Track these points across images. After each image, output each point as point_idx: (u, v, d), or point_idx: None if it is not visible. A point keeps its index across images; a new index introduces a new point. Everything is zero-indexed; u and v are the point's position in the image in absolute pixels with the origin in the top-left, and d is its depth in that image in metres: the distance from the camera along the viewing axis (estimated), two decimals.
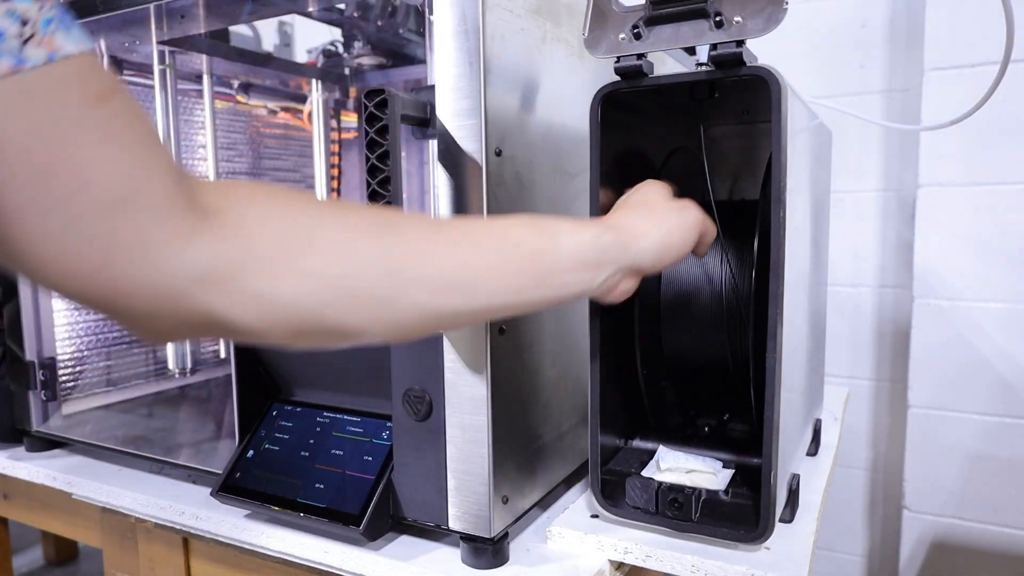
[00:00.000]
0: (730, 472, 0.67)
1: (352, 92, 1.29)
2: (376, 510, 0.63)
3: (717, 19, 0.52)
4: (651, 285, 0.71)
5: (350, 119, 1.32)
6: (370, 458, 0.67)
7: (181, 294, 0.36)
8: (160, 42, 0.97)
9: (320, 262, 0.40)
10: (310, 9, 0.95)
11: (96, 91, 0.34)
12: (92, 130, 0.33)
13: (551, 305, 0.50)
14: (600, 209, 0.60)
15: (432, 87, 0.57)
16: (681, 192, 0.73)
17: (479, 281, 0.45)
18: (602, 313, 0.62)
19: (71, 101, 0.33)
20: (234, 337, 0.41)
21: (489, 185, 0.56)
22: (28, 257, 0.33)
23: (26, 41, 0.31)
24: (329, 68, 1.26)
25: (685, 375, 0.75)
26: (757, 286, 0.62)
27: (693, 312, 0.71)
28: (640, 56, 0.56)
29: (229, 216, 0.38)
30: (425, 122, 0.58)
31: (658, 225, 0.53)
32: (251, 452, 0.73)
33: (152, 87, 1.02)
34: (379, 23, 1.11)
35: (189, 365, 1.07)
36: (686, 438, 0.74)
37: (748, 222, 0.65)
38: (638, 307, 0.68)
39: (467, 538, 0.61)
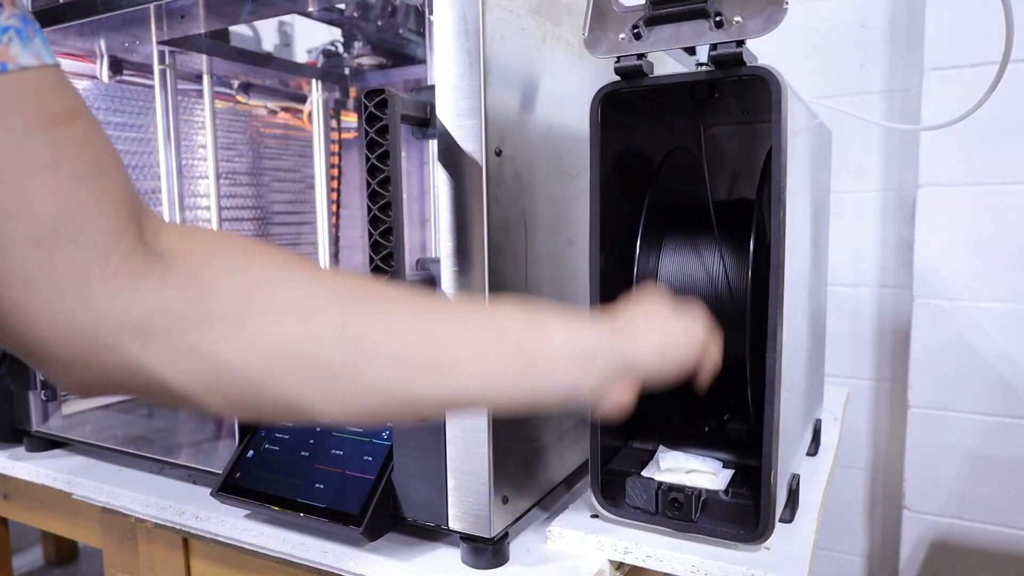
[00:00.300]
0: (730, 472, 0.67)
1: (352, 92, 1.29)
2: (376, 510, 0.63)
3: (717, 19, 0.52)
4: (649, 284, 0.71)
5: (350, 119, 1.32)
6: (370, 458, 0.67)
7: (109, 343, 0.33)
8: (160, 42, 0.97)
9: (273, 326, 0.36)
10: (310, 9, 0.95)
11: (51, 112, 0.31)
12: (35, 155, 0.30)
13: (537, 403, 0.44)
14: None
15: (432, 87, 0.57)
16: (680, 193, 0.73)
17: (455, 363, 0.40)
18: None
19: (18, 120, 0.30)
20: (167, 401, 0.37)
21: (489, 185, 0.56)
22: None
23: None
24: (329, 68, 1.26)
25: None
26: (755, 285, 0.62)
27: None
28: (640, 56, 0.56)
29: (184, 265, 0.35)
30: (425, 122, 0.58)
31: (660, 331, 0.49)
32: (251, 452, 0.73)
33: (152, 87, 1.02)
34: (379, 23, 1.11)
35: None
36: (686, 438, 0.74)
37: (747, 221, 0.65)
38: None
39: (467, 538, 0.61)
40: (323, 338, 0.37)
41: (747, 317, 0.64)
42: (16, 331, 0.32)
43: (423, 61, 1.21)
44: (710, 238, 0.69)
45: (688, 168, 0.77)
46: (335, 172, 1.31)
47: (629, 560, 0.61)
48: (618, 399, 0.47)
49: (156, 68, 1.00)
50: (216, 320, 0.35)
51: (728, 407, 0.80)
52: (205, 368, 0.35)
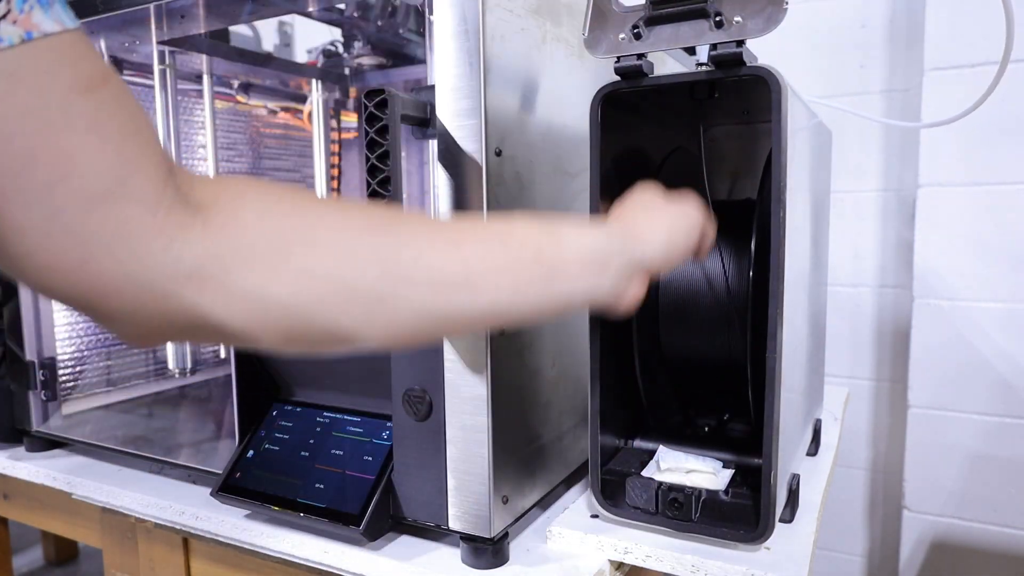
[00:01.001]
0: (730, 472, 0.67)
1: (352, 92, 1.29)
2: (376, 510, 0.63)
3: (717, 19, 0.52)
4: (649, 285, 0.71)
5: (350, 119, 1.32)
6: (370, 458, 0.67)
7: (167, 292, 0.35)
8: (160, 42, 0.97)
9: (313, 260, 0.38)
10: (310, 9, 0.95)
11: (87, 76, 0.32)
12: (79, 118, 0.32)
13: (560, 310, 0.47)
14: (600, 212, 0.60)
15: (432, 87, 0.57)
16: (680, 192, 0.73)
17: (482, 279, 0.43)
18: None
19: (59, 86, 0.31)
20: (223, 340, 0.39)
21: (489, 185, 0.56)
22: (9, 249, 0.32)
23: (1, 19, 0.30)
24: (329, 68, 1.26)
25: (684, 375, 0.75)
26: (756, 285, 0.62)
27: (692, 312, 0.70)
28: (640, 56, 0.56)
29: (221, 211, 0.37)
30: (425, 122, 0.58)
31: (662, 223, 0.52)
32: (251, 452, 0.73)
33: (152, 87, 1.02)
34: (379, 23, 1.11)
35: (189, 365, 1.07)
36: (686, 438, 0.74)
37: (747, 221, 0.65)
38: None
39: (467, 538, 0.61)
40: (362, 266, 0.39)
41: (748, 317, 0.64)
42: (79, 288, 0.33)
43: (423, 61, 1.21)
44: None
45: (688, 168, 0.77)
46: (335, 172, 1.31)
47: (629, 560, 0.61)
48: (633, 295, 0.51)
49: (156, 68, 1.00)
50: (260, 259, 0.37)
51: (728, 407, 0.80)
52: (256, 306, 0.37)
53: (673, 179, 0.72)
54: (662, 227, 0.52)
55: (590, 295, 0.48)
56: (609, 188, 0.62)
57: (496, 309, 0.44)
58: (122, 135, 0.33)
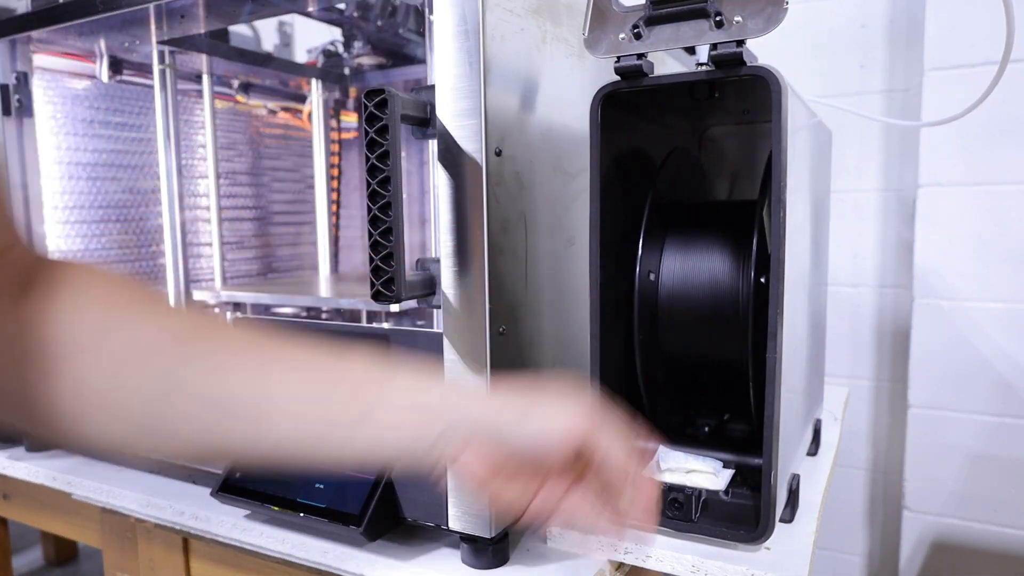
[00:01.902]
0: (730, 472, 0.67)
1: (352, 92, 1.29)
2: (376, 510, 0.63)
3: (717, 19, 0.52)
4: (648, 284, 0.72)
5: (350, 119, 1.32)
6: None
7: None
8: (160, 42, 0.97)
9: (92, 368, 0.37)
10: (310, 9, 0.95)
11: None
12: None
13: (372, 460, 0.42)
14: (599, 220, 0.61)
15: (432, 87, 0.57)
16: (681, 193, 0.73)
17: (277, 412, 0.39)
18: (602, 313, 0.62)
19: None
20: None
21: (489, 185, 0.56)
22: None
23: None
24: (329, 68, 1.26)
25: (684, 375, 0.75)
26: (756, 285, 0.62)
27: (691, 311, 0.70)
28: (640, 56, 0.56)
29: (39, 295, 0.37)
30: (425, 122, 0.58)
31: (536, 407, 0.42)
32: None
33: (152, 87, 1.02)
34: (379, 23, 1.11)
35: None
36: (686, 438, 0.74)
37: (748, 221, 0.65)
38: (637, 305, 0.68)
39: (467, 538, 0.61)
40: (139, 385, 0.38)
41: (749, 318, 0.64)
42: None
43: (423, 61, 1.21)
44: (711, 238, 0.69)
45: (688, 168, 0.77)
46: (335, 172, 1.31)
47: (629, 560, 0.61)
48: (469, 467, 0.41)
49: (156, 68, 1.00)
50: (43, 357, 0.37)
51: (728, 407, 0.80)
52: (22, 403, 0.37)
53: (673, 179, 0.72)
54: (534, 411, 0.41)
55: (409, 448, 0.41)
56: (609, 188, 0.62)
57: (289, 446, 0.40)
58: None
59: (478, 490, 0.43)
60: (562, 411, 0.41)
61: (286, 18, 1.61)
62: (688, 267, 0.70)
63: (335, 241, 1.32)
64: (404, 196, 0.55)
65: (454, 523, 0.61)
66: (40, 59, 0.94)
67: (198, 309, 0.44)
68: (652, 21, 0.54)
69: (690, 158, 0.78)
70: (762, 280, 0.62)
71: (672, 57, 0.88)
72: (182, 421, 0.39)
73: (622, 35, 0.56)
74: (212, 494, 0.71)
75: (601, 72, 0.72)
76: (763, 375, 0.56)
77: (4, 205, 0.38)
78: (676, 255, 0.70)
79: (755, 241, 0.61)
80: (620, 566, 0.64)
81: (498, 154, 0.57)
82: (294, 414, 0.40)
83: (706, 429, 0.77)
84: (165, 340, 0.39)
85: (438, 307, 0.59)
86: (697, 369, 0.73)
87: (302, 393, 0.40)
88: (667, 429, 0.75)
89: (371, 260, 0.54)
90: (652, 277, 0.69)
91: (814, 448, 0.85)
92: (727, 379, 0.71)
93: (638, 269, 0.67)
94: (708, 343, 0.70)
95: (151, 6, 0.77)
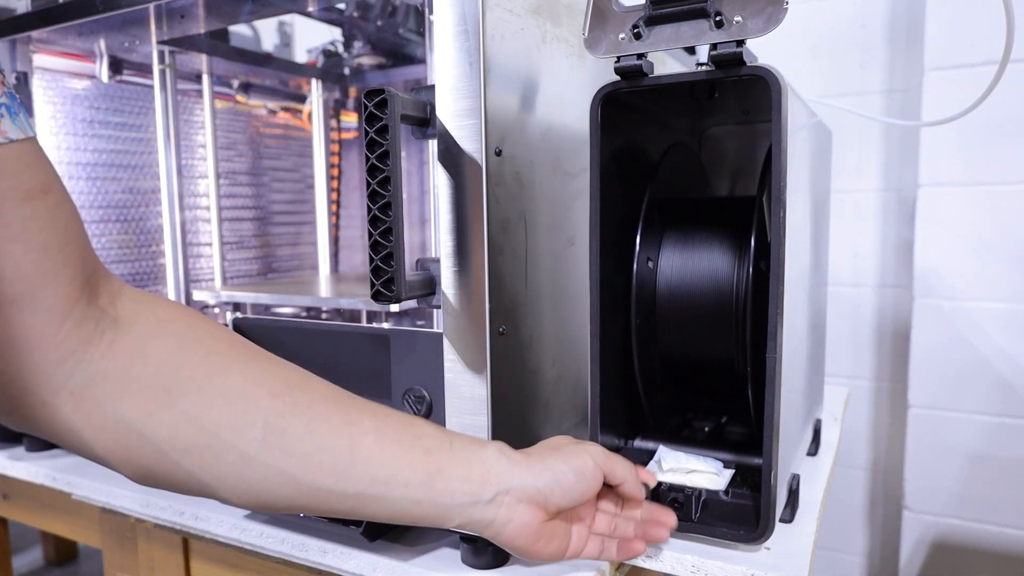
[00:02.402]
0: (731, 472, 0.67)
1: (352, 92, 1.29)
2: None
3: (717, 19, 0.52)
4: (647, 272, 0.71)
5: (350, 119, 1.32)
6: None
7: (45, 400, 0.36)
8: (160, 42, 0.97)
9: (199, 408, 0.39)
10: (310, 9, 0.95)
11: (28, 187, 0.34)
12: (8, 225, 0.33)
13: (431, 517, 0.47)
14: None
15: (432, 87, 0.57)
16: (680, 191, 0.73)
17: (364, 465, 0.43)
18: (602, 312, 0.62)
19: (1, 190, 0.33)
20: (82, 454, 0.40)
21: (489, 185, 0.56)
22: None
23: None
24: (329, 68, 1.26)
25: (683, 376, 0.75)
26: (755, 284, 0.62)
27: (691, 301, 0.70)
28: (640, 56, 0.56)
29: (133, 335, 0.38)
30: (425, 122, 0.58)
31: (554, 458, 0.51)
32: None
33: (152, 87, 1.02)
34: (379, 23, 1.11)
35: None
36: (686, 438, 0.74)
37: (748, 218, 0.65)
38: (634, 293, 0.67)
39: (467, 538, 0.61)
40: (246, 428, 0.40)
41: (747, 315, 0.64)
42: None
43: (423, 61, 1.21)
44: (711, 231, 0.68)
45: (688, 166, 0.77)
46: (335, 172, 1.31)
47: (629, 560, 0.61)
48: (521, 524, 0.49)
49: (156, 68, 1.00)
50: (150, 394, 0.38)
51: (727, 408, 0.80)
52: (126, 439, 0.38)
53: (673, 177, 0.72)
54: (554, 459, 0.51)
55: (470, 505, 0.47)
56: (609, 188, 0.62)
57: (368, 495, 0.44)
58: (46, 246, 0.35)
59: (528, 551, 0.50)
60: (582, 459, 0.52)
61: (286, 18, 1.61)
62: (687, 258, 0.70)
63: (335, 241, 1.32)
64: (404, 196, 0.55)
65: None
66: (40, 59, 0.94)
67: (280, 359, 0.46)
68: (652, 21, 0.54)
69: (689, 153, 0.78)
70: (762, 266, 0.61)
71: (672, 57, 0.88)
72: (279, 468, 0.41)
73: (622, 35, 0.56)
74: None
75: (601, 72, 0.72)
76: (762, 373, 0.56)
77: (84, 233, 0.39)
78: (675, 251, 0.70)
79: (754, 228, 0.61)
80: (620, 566, 0.64)
81: (498, 154, 0.57)
82: (376, 470, 0.44)
83: (706, 429, 0.77)
84: (268, 389, 0.42)
85: (438, 307, 0.59)
86: (695, 364, 0.73)
87: (383, 451, 0.45)
88: (667, 429, 0.75)
89: (371, 260, 0.54)
90: (651, 265, 0.69)
91: (814, 448, 0.85)
92: (725, 375, 0.71)
93: (636, 257, 0.66)
94: (707, 335, 0.70)
95: (151, 6, 0.77)
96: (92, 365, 0.36)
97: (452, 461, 0.47)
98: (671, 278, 0.70)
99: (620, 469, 0.54)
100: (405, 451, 0.45)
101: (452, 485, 0.47)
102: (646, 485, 0.58)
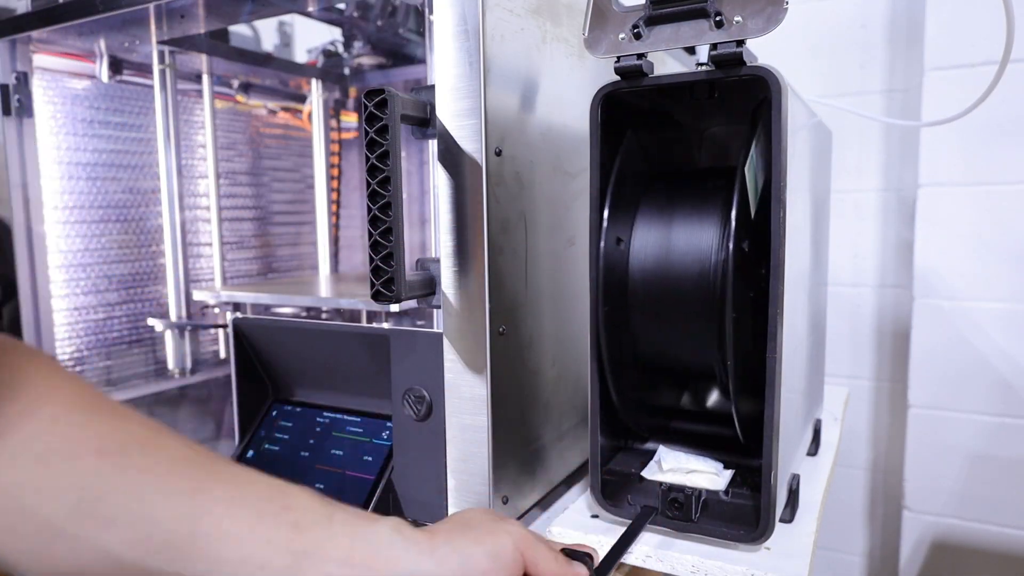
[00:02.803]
0: (731, 472, 0.67)
1: (352, 92, 1.29)
2: (376, 510, 0.63)
3: (717, 19, 0.52)
4: (617, 264, 0.62)
5: (350, 119, 1.32)
6: (370, 458, 0.67)
7: None
8: (160, 42, 0.97)
9: (6, 467, 0.34)
10: (310, 9, 0.95)
11: None
12: None
13: None
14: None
15: (432, 87, 0.57)
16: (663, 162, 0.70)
17: (208, 541, 0.36)
18: (602, 313, 0.62)
19: None
20: None
21: (489, 185, 0.56)
22: None
23: None
24: (329, 68, 1.26)
25: (658, 368, 0.68)
26: (738, 268, 0.59)
27: (666, 296, 0.62)
28: (640, 56, 0.56)
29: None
30: (425, 122, 0.58)
31: (465, 539, 0.42)
32: (251, 452, 0.73)
33: (152, 87, 1.02)
34: (379, 23, 1.11)
35: (189, 365, 1.07)
36: (686, 438, 0.74)
37: (730, 191, 0.57)
38: (600, 289, 0.60)
39: None
40: (55, 493, 0.34)
41: (726, 303, 0.57)
42: None
43: (423, 61, 1.21)
44: (692, 210, 0.62)
45: (671, 136, 0.75)
46: (335, 172, 1.31)
47: (629, 560, 0.61)
48: None
49: (156, 68, 1.00)
50: None
51: (708, 412, 0.77)
52: None
53: (672, 176, 0.72)
54: (461, 549, 0.41)
55: None
56: (609, 189, 0.61)
57: None
58: None
59: None
60: (499, 540, 0.43)
61: (286, 18, 1.61)
62: (664, 237, 0.62)
63: (335, 241, 1.32)
64: (404, 196, 0.55)
65: None
66: (40, 59, 0.94)
67: (134, 414, 0.40)
68: (652, 21, 0.55)
69: (689, 156, 0.76)
70: (744, 246, 0.58)
71: (672, 57, 0.88)
72: (96, 542, 0.34)
73: (622, 35, 0.56)
74: None
75: (601, 72, 0.72)
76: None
77: None
78: (651, 224, 0.63)
79: (735, 202, 0.54)
80: (620, 566, 0.64)
81: (498, 154, 0.57)
82: (224, 548, 0.36)
83: (692, 430, 0.75)
84: (96, 448, 0.36)
85: (438, 307, 0.59)
86: (673, 357, 0.66)
87: (236, 525, 0.37)
88: (667, 430, 0.75)
89: (371, 260, 0.54)
90: (622, 246, 0.62)
91: (814, 448, 0.85)
92: (706, 371, 0.65)
93: (603, 235, 0.59)
94: (685, 324, 0.62)
95: (151, 6, 0.77)
96: None
97: (328, 540, 0.38)
98: (645, 261, 0.63)
99: (544, 559, 0.44)
100: (266, 526, 0.37)
101: (326, 569, 0.37)
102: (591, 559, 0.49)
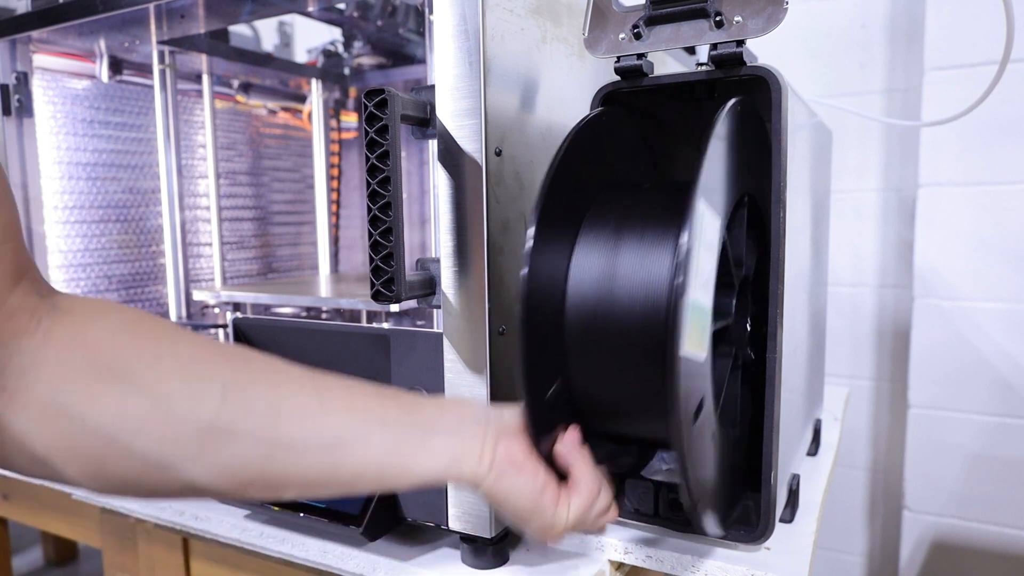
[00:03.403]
0: None
1: (352, 92, 1.29)
2: (376, 510, 0.63)
3: (717, 19, 0.52)
4: (551, 293, 0.51)
5: (350, 119, 1.32)
6: None
7: None
8: (160, 42, 0.97)
9: (150, 381, 0.35)
10: (310, 9, 0.95)
11: None
12: None
13: (414, 461, 0.43)
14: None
15: (432, 87, 0.57)
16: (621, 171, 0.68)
17: (334, 410, 0.40)
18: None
19: None
20: (25, 466, 0.36)
21: (489, 185, 0.56)
22: None
23: None
24: (329, 68, 1.26)
25: (597, 418, 0.56)
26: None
27: (608, 336, 0.50)
28: (640, 56, 0.56)
29: (71, 320, 0.36)
30: (425, 122, 0.58)
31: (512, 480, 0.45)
32: None
33: (152, 87, 1.02)
34: (379, 23, 1.11)
35: None
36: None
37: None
38: (525, 320, 0.49)
39: (467, 538, 0.61)
40: (202, 393, 0.36)
41: (676, 345, 0.41)
42: None
43: (423, 61, 1.21)
44: (645, 232, 0.51)
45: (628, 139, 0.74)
46: (335, 172, 1.31)
47: (629, 560, 0.61)
48: (511, 449, 0.46)
49: (156, 68, 1.00)
50: (91, 375, 0.35)
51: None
52: (68, 427, 0.34)
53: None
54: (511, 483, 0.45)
55: (456, 433, 0.45)
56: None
57: (345, 446, 0.40)
58: None
59: (532, 481, 0.46)
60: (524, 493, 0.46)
61: (286, 18, 1.61)
62: (610, 263, 0.51)
63: (335, 241, 1.32)
64: (404, 196, 0.55)
65: (454, 523, 0.61)
66: (40, 59, 0.94)
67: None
68: (652, 21, 0.55)
69: (630, 127, 0.62)
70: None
71: (672, 57, 0.88)
72: (241, 429, 0.37)
73: (622, 35, 0.56)
74: None
75: (601, 72, 0.72)
76: (762, 376, 0.56)
77: (20, 233, 0.36)
78: (594, 246, 0.52)
79: (688, 227, 0.42)
80: (620, 566, 0.64)
81: (498, 154, 0.57)
82: (348, 416, 0.40)
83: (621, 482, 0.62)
84: (222, 354, 0.39)
85: (438, 307, 0.59)
86: (615, 410, 0.55)
87: (353, 399, 0.41)
88: None
89: (371, 260, 0.54)
90: (557, 271, 0.52)
91: (814, 448, 0.85)
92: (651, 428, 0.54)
93: (529, 257, 0.48)
94: (630, 373, 0.50)
95: (151, 6, 0.77)
96: (25, 356, 0.34)
97: (439, 419, 0.44)
98: (585, 291, 0.51)
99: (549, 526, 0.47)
100: (376, 399, 0.42)
101: (434, 416, 0.44)
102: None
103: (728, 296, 0.55)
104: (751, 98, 0.54)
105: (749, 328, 0.61)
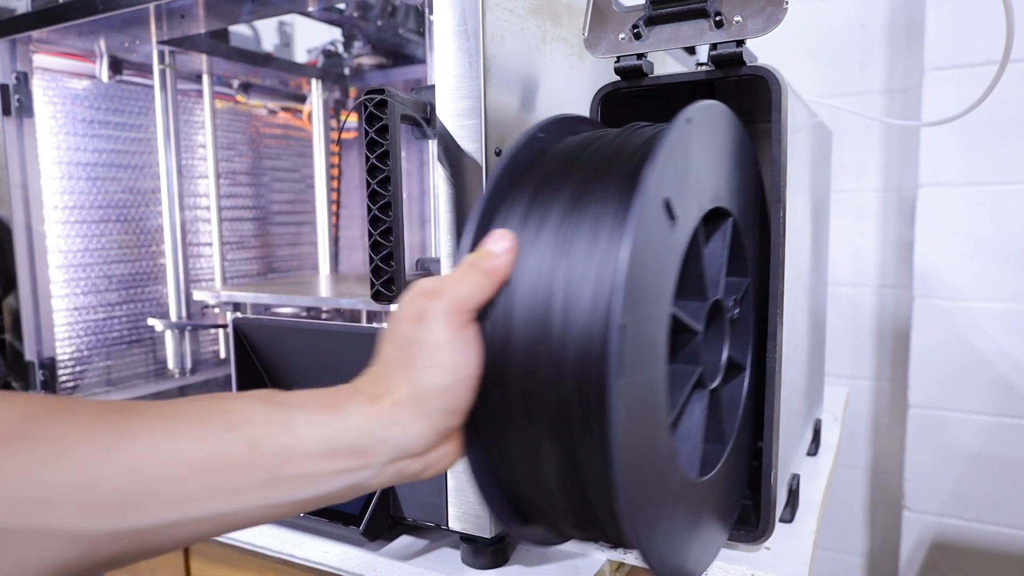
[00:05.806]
0: None
1: (352, 92, 1.29)
2: (376, 510, 0.63)
3: (717, 19, 0.52)
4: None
5: (350, 119, 1.32)
6: None
7: None
8: (160, 42, 0.97)
9: None
10: (310, 9, 0.95)
11: None
12: None
13: (304, 508, 0.36)
14: None
15: (432, 87, 0.57)
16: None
17: (159, 487, 0.31)
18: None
19: None
20: None
21: None
22: None
23: None
24: (329, 68, 1.26)
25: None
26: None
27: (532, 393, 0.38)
28: (640, 56, 0.56)
29: None
30: (425, 122, 0.58)
31: (428, 365, 0.39)
32: None
33: (152, 87, 1.02)
34: (379, 23, 1.11)
35: (189, 365, 1.07)
36: None
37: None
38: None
39: (467, 538, 0.61)
40: None
41: (610, 418, 0.33)
42: None
43: (423, 61, 1.21)
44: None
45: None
46: (335, 172, 1.31)
47: (629, 560, 0.61)
48: (442, 462, 0.39)
49: (156, 68, 1.00)
50: None
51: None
52: None
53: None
54: (422, 378, 0.39)
55: (354, 492, 0.37)
56: None
57: (187, 521, 0.32)
58: None
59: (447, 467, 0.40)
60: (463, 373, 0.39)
61: (286, 18, 1.61)
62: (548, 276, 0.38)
63: (335, 241, 1.32)
64: (404, 196, 0.55)
65: (454, 523, 0.61)
66: (40, 59, 0.94)
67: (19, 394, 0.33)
68: (652, 21, 0.55)
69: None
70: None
71: (672, 57, 0.88)
72: (41, 530, 0.30)
73: (622, 35, 0.56)
74: None
75: (601, 72, 0.72)
76: (763, 376, 0.56)
77: None
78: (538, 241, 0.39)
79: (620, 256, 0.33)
80: (620, 566, 0.64)
81: (498, 154, 0.57)
82: (183, 487, 0.32)
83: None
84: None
85: None
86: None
87: (186, 456, 0.32)
88: None
89: (371, 260, 0.54)
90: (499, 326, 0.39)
91: (814, 448, 0.85)
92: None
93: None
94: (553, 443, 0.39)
95: (151, 6, 0.77)
96: None
97: (297, 451, 0.35)
98: (510, 329, 0.39)
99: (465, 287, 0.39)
100: (219, 453, 0.33)
101: (311, 485, 0.35)
102: None
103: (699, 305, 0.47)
104: (743, 103, 0.53)
105: (724, 358, 0.52)
